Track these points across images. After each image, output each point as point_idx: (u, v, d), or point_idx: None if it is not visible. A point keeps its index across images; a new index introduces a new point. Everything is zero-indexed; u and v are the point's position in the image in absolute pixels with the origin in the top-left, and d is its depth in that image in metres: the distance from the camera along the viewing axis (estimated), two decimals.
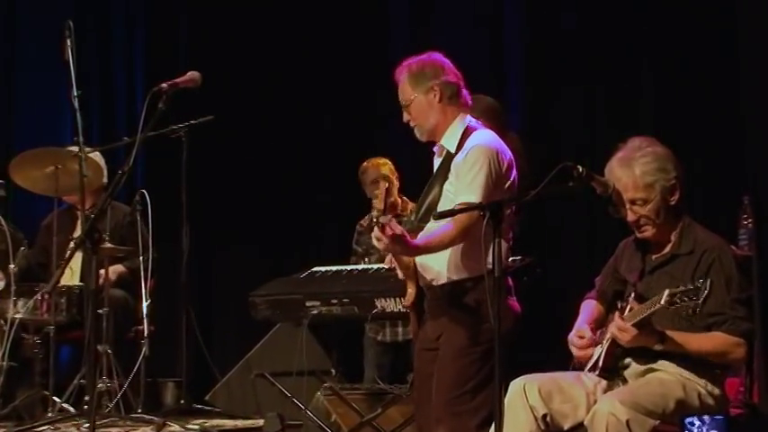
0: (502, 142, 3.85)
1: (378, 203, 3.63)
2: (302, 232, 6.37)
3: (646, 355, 3.64)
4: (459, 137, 3.81)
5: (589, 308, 3.87)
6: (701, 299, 3.34)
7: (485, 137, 3.81)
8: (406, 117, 3.88)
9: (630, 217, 3.71)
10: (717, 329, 3.55)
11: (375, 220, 3.58)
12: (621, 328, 3.49)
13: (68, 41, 5.33)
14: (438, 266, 3.79)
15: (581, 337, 3.75)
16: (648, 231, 3.70)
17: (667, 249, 3.71)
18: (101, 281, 5.25)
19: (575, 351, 3.77)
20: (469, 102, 3.90)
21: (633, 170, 3.67)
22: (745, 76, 5.58)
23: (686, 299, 3.36)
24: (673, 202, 3.66)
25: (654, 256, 3.75)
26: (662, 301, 3.39)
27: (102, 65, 7.03)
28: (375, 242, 3.64)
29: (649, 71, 5.91)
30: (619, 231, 3.93)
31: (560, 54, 6.07)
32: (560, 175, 3.56)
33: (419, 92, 3.82)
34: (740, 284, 3.61)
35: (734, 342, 3.56)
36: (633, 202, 3.68)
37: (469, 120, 3.87)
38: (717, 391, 3.60)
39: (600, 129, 5.94)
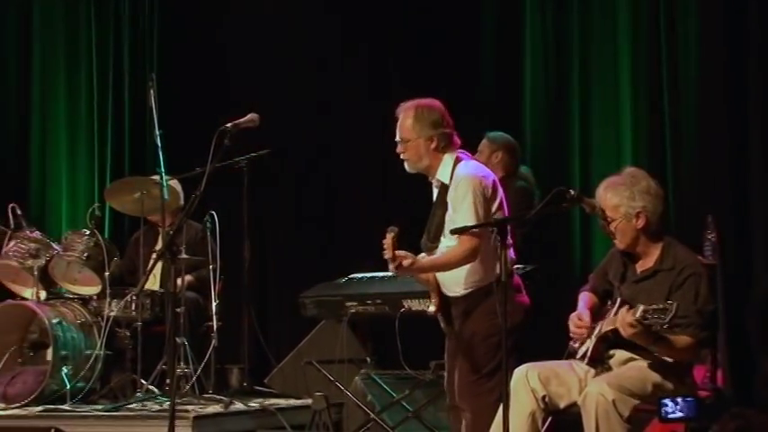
0: (482, 167, 3.83)
1: (388, 252, 3.59)
2: (342, 244, 6.34)
3: (627, 348, 3.61)
4: (450, 170, 3.79)
5: (587, 297, 3.87)
6: (668, 319, 3.35)
7: (468, 168, 3.77)
8: (399, 149, 3.83)
9: (603, 228, 3.71)
10: (681, 331, 3.52)
11: (391, 268, 3.59)
12: (631, 323, 3.44)
13: (152, 91, 5.36)
14: (453, 284, 3.80)
15: (580, 319, 3.73)
16: (619, 243, 3.71)
17: (651, 264, 3.69)
18: (178, 285, 5.24)
19: (572, 327, 3.74)
20: (458, 142, 3.83)
21: (607, 193, 3.69)
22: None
23: (656, 316, 3.36)
24: (639, 226, 3.65)
25: (639, 269, 3.72)
26: (636, 315, 3.38)
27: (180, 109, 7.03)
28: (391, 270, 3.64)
29: None
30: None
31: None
32: (556, 197, 3.56)
33: (421, 136, 3.76)
34: (706, 298, 3.59)
35: (694, 343, 3.55)
36: (604, 219, 3.67)
37: (457, 154, 3.82)
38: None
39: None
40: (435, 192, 3.89)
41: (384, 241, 3.58)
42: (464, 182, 3.72)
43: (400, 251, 3.59)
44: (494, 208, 3.75)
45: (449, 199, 3.76)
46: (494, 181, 3.79)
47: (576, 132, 5.87)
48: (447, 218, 3.76)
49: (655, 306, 3.39)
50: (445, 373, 3.96)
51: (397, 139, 3.83)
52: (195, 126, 6.97)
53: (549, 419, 3.66)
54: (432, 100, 3.85)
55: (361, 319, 5.25)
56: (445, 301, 3.84)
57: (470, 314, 3.77)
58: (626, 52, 5.75)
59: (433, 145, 3.76)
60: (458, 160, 3.80)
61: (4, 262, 5.47)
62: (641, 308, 3.39)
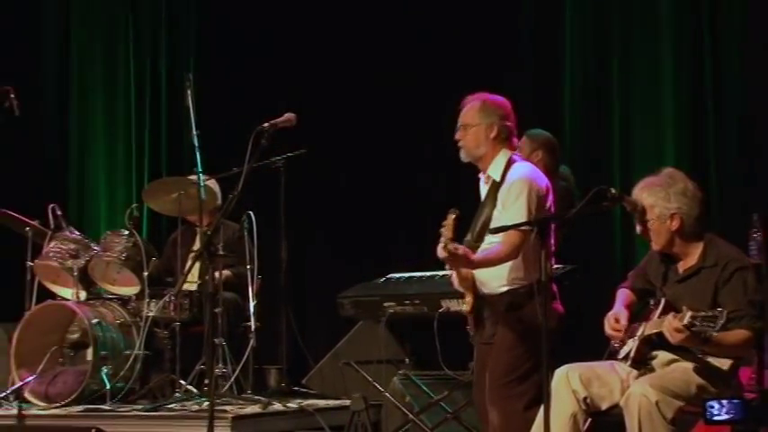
0: (538, 171, 3.83)
1: (447, 233, 3.58)
2: (381, 244, 6.34)
3: (671, 349, 3.57)
4: (503, 168, 3.80)
5: (624, 295, 3.84)
6: (718, 327, 3.29)
7: (525, 170, 3.79)
8: (458, 135, 3.85)
9: (637, 229, 3.67)
10: (735, 325, 3.46)
11: (443, 248, 3.56)
12: (678, 329, 3.40)
13: (189, 91, 5.39)
14: (494, 280, 3.78)
15: (617, 320, 3.68)
16: (654, 244, 3.68)
17: (694, 262, 3.65)
18: (215, 279, 5.24)
19: (607, 327, 3.71)
20: (516, 145, 3.86)
21: (643, 193, 3.66)
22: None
23: (705, 324, 3.31)
24: (673, 228, 3.61)
25: (681, 269, 3.68)
26: (684, 322, 3.33)
27: (216, 109, 7.07)
28: (442, 258, 3.60)
29: None
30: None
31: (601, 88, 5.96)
32: (596, 196, 3.54)
33: (483, 122, 3.80)
34: (755, 289, 3.54)
35: (750, 336, 3.49)
36: (641, 219, 3.67)
37: (512, 154, 3.83)
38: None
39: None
40: (483, 189, 3.88)
41: (444, 222, 3.57)
42: (520, 182, 3.72)
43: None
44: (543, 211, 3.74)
45: (499, 196, 3.75)
46: (547, 186, 3.80)
47: (616, 132, 5.82)
48: (494, 216, 3.75)
49: (704, 313, 3.34)
50: (473, 378, 3.95)
51: (459, 125, 3.85)
52: (232, 126, 7.08)
53: (590, 421, 3.62)
54: (502, 97, 3.89)
55: (399, 320, 5.24)
56: (479, 302, 3.82)
57: (503, 317, 3.75)
58: (668, 51, 5.69)
59: (493, 134, 3.79)
60: (512, 161, 3.81)
61: (44, 262, 5.53)
62: (689, 314, 3.34)
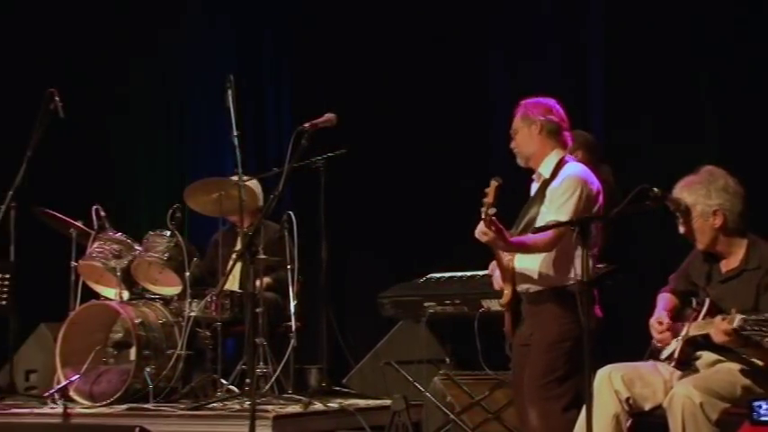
0: (591, 173, 3.81)
1: (489, 198, 3.58)
2: (420, 244, 6.34)
3: (715, 350, 3.53)
4: (554, 166, 3.79)
5: (666, 299, 3.81)
6: None
7: (576, 168, 3.79)
8: (512, 144, 3.89)
9: (680, 229, 3.63)
10: None
11: (483, 213, 3.53)
12: (727, 332, 3.37)
13: (229, 92, 5.43)
14: (533, 275, 3.75)
15: (660, 323, 3.66)
16: (698, 243, 3.65)
17: (737, 264, 3.61)
18: (256, 286, 5.29)
19: (654, 334, 3.68)
20: (569, 142, 3.86)
21: (683, 192, 3.63)
22: None
23: (757, 328, 3.27)
24: (716, 225, 3.57)
25: (724, 269, 3.64)
26: (734, 325, 3.29)
27: (257, 110, 7.13)
28: (479, 235, 3.59)
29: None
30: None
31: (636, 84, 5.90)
32: (639, 195, 3.51)
33: (525, 124, 3.85)
34: None
35: None
36: (684, 218, 3.64)
37: (565, 154, 3.83)
38: None
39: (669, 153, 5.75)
40: (534, 187, 3.89)
41: (486, 189, 3.56)
42: (572, 180, 3.72)
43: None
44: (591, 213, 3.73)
45: (548, 193, 3.75)
46: (598, 188, 3.79)
47: (653, 129, 5.77)
48: (541, 212, 3.74)
49: (756, 317, 3.30)
50: (511, 376, 3.94)
51: (511, 132, 3.90)
52: (271, 128, 7.14)
53: (632, 421, 3.60)
54: (546, 98, 3.92)
55: (439, 320, 5.24)
56: (516, 297, 3.81)
57: (541, 316, 3.74)
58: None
59: (537, 130, 3.82)
60: (564, 160, 3.82)
61: (88, 263, 5.60)
62: (738, 317, 3.30)
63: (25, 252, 5.70)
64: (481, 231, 3.58)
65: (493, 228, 3.54)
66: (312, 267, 5.59)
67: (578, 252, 3.52)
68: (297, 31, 7.08)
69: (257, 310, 5.21)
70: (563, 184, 3.72)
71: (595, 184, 3.79)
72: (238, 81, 5.53)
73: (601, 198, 3.78)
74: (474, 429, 4.86)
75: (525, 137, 3.84)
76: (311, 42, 6.94)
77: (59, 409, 5.04)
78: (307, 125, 4.30)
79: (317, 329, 5.55)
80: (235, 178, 5.38)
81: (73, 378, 5.31)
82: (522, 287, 3.79)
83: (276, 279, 5.63)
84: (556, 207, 3.69)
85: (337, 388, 5.52)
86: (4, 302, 5.64)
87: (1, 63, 7.05)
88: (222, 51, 7.25)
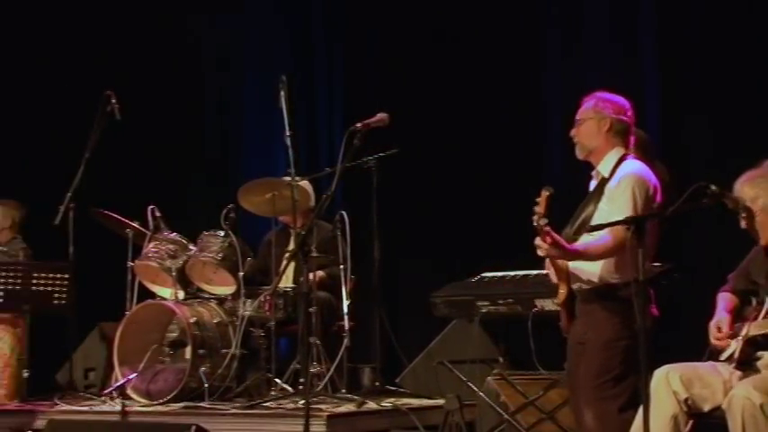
0: (650, 171, 3.76)
1: (540, 208, 3.56)
2: (473, 243, 6.32)
3: None
4: (613, 164, 3.76)
5: (726, 298, 3.76)
6: None
7: (635, 166, 3.74)
8: (573, 132, 3.84)
9: (741, 224, 3.58)
10: None
11: (536, 224, 3.52)
12: None
13: (282, 92, 5.46)
14: (589, 272, 3.72)
15: (719, 329, 3.60)
16: (761, 239, 3.59)
17: None
18: (310, 285, 5.31)
19: (712, 339, 3.63)
20: (631, 144, 3.81)
21: (744, 187, 3.57)
22: None
23: None
24: None
25: None
26: None
27: (308, 110, 7.17)
28: (536, 246, 3.57)
29: None
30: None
31: (690, 77, 5.82)
32: (695, 193, 3.46)
33: (595, 117, 3.79)
34: None
35: None
36: (746, 215, 3.59)
37: (625, 152, 3.80)
38: None
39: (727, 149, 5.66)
40: (592, 185, 3.86)
41: (537, 199, 3.53)
42: (630, 178, 3.69)
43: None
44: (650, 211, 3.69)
45: (606, 191, 3.72)
46: (656, 185, 3.75)
47: (710, 125, 5.69)
48: (598, 210, 3.71)
49: None
50: (566, 376, 3.90)
51: (576, 119, 3.85)
52: (324, 127, 7.17)
53: (691, 422, 3.55)
54: (621, 96, 3.87)
55: (492, 319, 5.22)
56: (572, 295, 3.78)
57: (595, 315, 3.70)
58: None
59: (606, 127, 3.77)
60: (624, 158, 3.78)
61: (144, 263, 5.68)
62: None
63: (83, 253, 5.79)
64: (537, 244, 3.58)
65: (548, 239, 3.52)
66: (364, 267, 5.61)
67: (634, 249, 3.47)
68: (349, 30, 7.11)
69: (311, 309, 5.22)
70: (621, 183, 3.69)
71: (653, 181, 3.75)
72: (291, 81, 5.57)
73: (659, 196, 3.74)
74: (528, 429, 4.83)
75: (591, 129, 3.78)
76: (363, 42, 6.96)
77: (117, 407, 5.11)
78: (359, 125, 4.31)
79: (369, 329, 5.56)
80: (287, 178, 5.42)
81: (130, 376, 5.38)
82: (576, 285, 3.76)
83: (330, 275, 5.64)
84: (616, 207, 3.66)
85: (390, 387, 5.52)
86: (63, 302, 5.74)
87: (60, 66, 7.19)
88: (275, 51, 7.30)
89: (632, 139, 3.84)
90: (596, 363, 3.68)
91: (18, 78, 7.20)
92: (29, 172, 6.94)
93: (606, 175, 3.76)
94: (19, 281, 5.69)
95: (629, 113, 3.83)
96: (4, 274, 5.68)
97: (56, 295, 5.74)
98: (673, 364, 3.61)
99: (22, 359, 5.80)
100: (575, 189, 3.97)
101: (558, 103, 5.98)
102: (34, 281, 5.72)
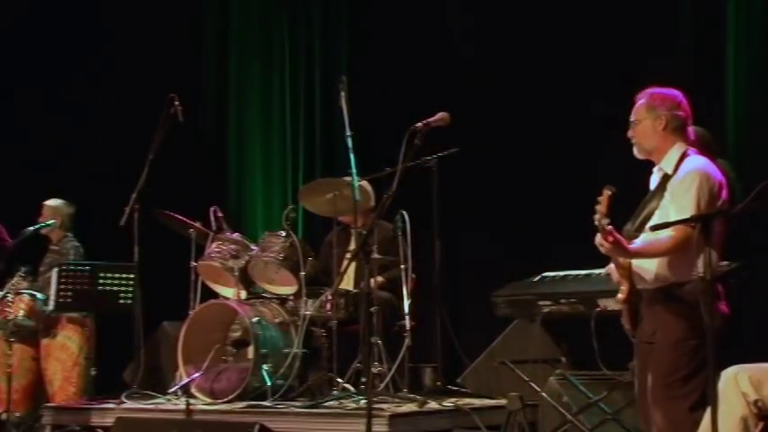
0: (714, 167, 3.70)
1: (602, 208, 3.52)
2: (535, 242, 6.27)
3: None
4: (676, 161, 3.70)
5: None
6: None
7: (699, 162, 3.68)
8: (630, 133, 3.80)
9: None
10: None
11: (598, 223, 3.49)
12: None
13: (342, 93, 5.49)
14: (653, 271, 3.66)
15: None
16: None
17: None
18: (371, 285, 5.32)
19: None
20: (691, 137, 3.76)
21: None
22: None
23: None
24: None
25: None
26: None
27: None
28: (599, 246, 3.54)
29: None
30: None
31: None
32: (764, 191, 3.39)
33: (649, 116, 3.74)
34: None
35: None
36: None
37: (687, 148, 3.73)
38: None
39: None
40: (653, 180, 3.81)
41: (599, 198, 3.49)
42: (693, 174, 3.63)
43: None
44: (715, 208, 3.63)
45: (669, 188, 3.67)
46: (721, 181, 3.69)
47: None
48: (660, 207, 3.66)
49: None
50: (635, 379, 3.85)
51: (631, 120, 3.80)
52: (386, 127, 7.17)
53: (762, 425, 3.48)
54: (672, 89, 3.81)
55: (554, 319, 5.18)
56: (635, 294, 3.73)
57: (661, 315, 3.65)
58: None
59: (662, 125, 3.72)
60: (686, 154, 3.72)
61: (207, 263, 5.75)
62: None
63: (148, 253, 5.88)
64: (598, 243, 3.54)
65: (610, 238, 3.48)
66: (425, 267, 5.60)
67: (700, 248, 3.41)
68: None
69: (372, 309, 5.23)
70: (684, 179, 3.63)
71: (718, 176, 3.68)
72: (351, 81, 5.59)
73: (724, 193, 3.67)
74: (591, 430, 4.79)
75: (648, 130, 3.74)
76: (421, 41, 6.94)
77: (182, 405, 5.17)
78: (420, 124, 4.31)
79: (431, 328, 5.55)
80: (348, 179, 5.44)
81: (194, 375, 5.45)
82: (640, 286, 3.71)
83: (389, 278, 5.65)
84: (679, 204, 3.60)
85: (452, 387, 5.51)
86: (129, 302, 5.84)
87: (125, 69, 7.32)
88: (334, 51, 7.33)
89: (690, 131, 3.77)
90: (665, 362, 3.64)
91: (84, 81, 7.35)
92: (95, 174, 7.08)
93: (669, 171, 3.71)
94: (86, 281, 5.79)
95: (684, 106, 3.76)
96: (72, 274, 5.79)
97: (122, 295, 5.83)
98: (743, 365, 3.53)
99: (90, 358, 5.93)
100: (634, 187, 3.92)
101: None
102: (101, 281, 5.82)
